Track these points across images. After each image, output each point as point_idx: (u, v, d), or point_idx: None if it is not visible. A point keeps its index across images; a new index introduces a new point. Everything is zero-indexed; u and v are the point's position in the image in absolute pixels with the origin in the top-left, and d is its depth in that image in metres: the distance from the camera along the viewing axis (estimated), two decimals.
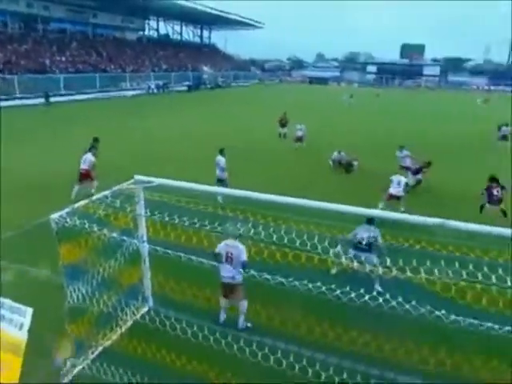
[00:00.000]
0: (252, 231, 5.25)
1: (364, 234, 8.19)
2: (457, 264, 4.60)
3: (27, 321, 2.87)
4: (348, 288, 4.75)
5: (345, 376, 5.06)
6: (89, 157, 13.34)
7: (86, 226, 5.55)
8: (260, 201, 5.28)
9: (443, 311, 4.52)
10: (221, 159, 13.52)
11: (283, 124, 26.03)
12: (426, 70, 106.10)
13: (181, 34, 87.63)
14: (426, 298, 4.84)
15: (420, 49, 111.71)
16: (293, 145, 23.02)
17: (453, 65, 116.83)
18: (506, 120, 27.31)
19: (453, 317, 4.47)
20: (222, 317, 7.30)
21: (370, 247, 8.16)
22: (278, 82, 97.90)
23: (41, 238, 7.60)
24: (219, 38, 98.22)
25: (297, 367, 5.10)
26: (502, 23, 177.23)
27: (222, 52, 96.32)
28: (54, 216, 5.54)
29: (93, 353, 6.36)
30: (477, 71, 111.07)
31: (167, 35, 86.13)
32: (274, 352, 5.25)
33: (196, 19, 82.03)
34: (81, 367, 6.08)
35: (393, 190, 12.85)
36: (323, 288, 4.82)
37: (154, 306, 7.38)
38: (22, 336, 2.85)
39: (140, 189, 6.29)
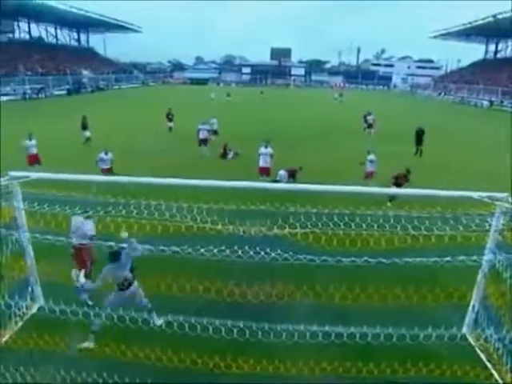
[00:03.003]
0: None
1: (119, 273, 6.15)
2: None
3: None
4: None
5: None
6: None
7: None
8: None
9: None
10: (104, 156, 13.89)
11: (170, 118, 25.99)
12: (294, 71, 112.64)
13: (56, 36, 79.84)
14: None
15: (287, 52, 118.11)
16: (211, 138, 21.80)
17: (315, 66, 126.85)
18: (364, 109, 30.55)
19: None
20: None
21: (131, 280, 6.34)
22: (160, 84, 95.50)
23: None
24: (98, 42, 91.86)
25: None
26: (349, 32, 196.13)
27: (101, 55, 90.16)
28: None
29: None
30: (333, 72, 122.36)
31: (41, 38, 77.60)
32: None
33: (71, 22, 75.34)
34: None
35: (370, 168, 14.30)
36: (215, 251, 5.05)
37: (45, 304, 6.85)
38: None
39: (15, 184, 5.81)
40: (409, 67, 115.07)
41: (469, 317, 6.50)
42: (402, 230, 5.35)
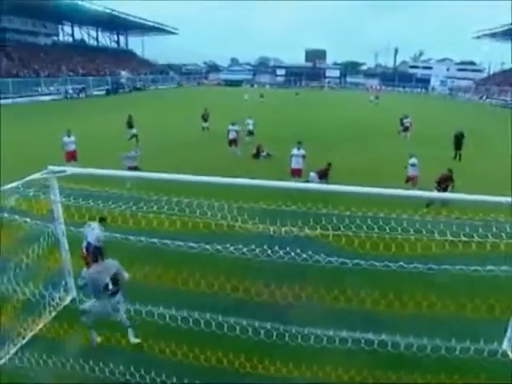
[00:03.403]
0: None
1: (103, 275, 5.72)
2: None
3: None
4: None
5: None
6: None
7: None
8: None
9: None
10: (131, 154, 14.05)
11: (205, 119, 26.49)
12: (328, 73, 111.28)
13: (97, 39, 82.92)
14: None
15: (322, 54, 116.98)
16: (245, 139, 22.14)
17: (350, 68, 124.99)
18: (400, 112, 29.72)
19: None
20: None
21: (117, 286, 5.92)
22: (196, 85, 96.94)
23: None
24: (136, 44, 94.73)
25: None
26: (386, 34, 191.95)
27: (139, 57, 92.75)
28: None
29: (15, 345, 6.00)
30: (369, 74, 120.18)
31: (83, 40, 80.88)
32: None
33: (111, 25, 78.04)
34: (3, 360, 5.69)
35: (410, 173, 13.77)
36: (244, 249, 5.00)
37: (77, 296, 7.01)
38: None
39: (53, 177, 6.00)
40: (448, 69, 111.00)
41: (510, 332, 6.11)
42: (439, 236, 5.09)
